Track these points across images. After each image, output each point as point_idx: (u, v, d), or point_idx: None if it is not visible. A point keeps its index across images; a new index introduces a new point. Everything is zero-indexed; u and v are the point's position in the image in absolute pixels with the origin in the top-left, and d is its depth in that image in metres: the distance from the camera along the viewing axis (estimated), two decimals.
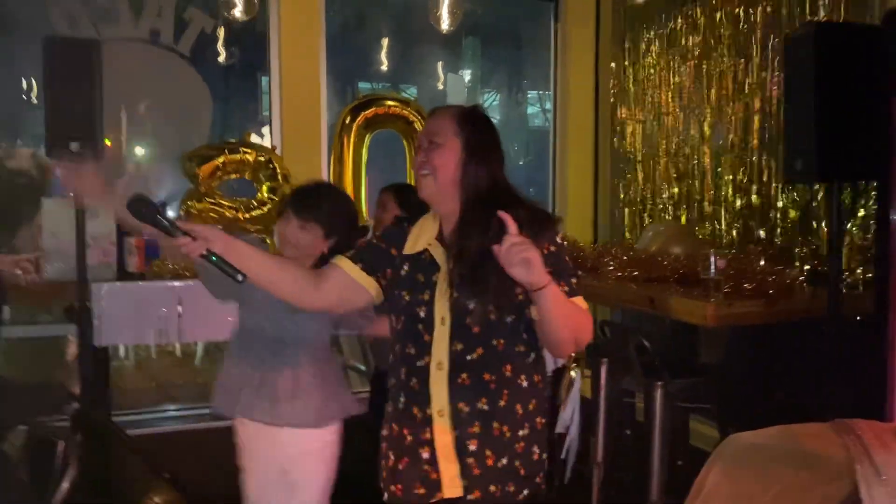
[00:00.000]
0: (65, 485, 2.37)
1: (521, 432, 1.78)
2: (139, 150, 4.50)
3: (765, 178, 3.62)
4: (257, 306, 2.16)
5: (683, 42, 4.14)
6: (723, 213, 3.85)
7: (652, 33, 4.39)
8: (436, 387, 1.77)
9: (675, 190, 4.21)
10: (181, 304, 3.33)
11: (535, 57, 5.36)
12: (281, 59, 4.15)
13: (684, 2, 4.12)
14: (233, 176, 3.96)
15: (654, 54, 4.39)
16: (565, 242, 1.86)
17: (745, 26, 3.73)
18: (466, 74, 5.95)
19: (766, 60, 3.60)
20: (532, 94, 6.01)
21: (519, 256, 1.55)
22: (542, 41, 5.05)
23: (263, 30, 4.24)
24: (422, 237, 1.86)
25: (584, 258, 3.76)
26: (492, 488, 1.77)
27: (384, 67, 5.19)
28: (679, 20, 4.17)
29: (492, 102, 6.31)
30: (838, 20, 3.17)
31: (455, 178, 1.79)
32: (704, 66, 3.98)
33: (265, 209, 3.88)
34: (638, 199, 4.53)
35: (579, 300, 1.75)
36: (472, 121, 1.83)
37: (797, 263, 3.31)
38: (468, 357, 1.75)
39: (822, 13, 3.30)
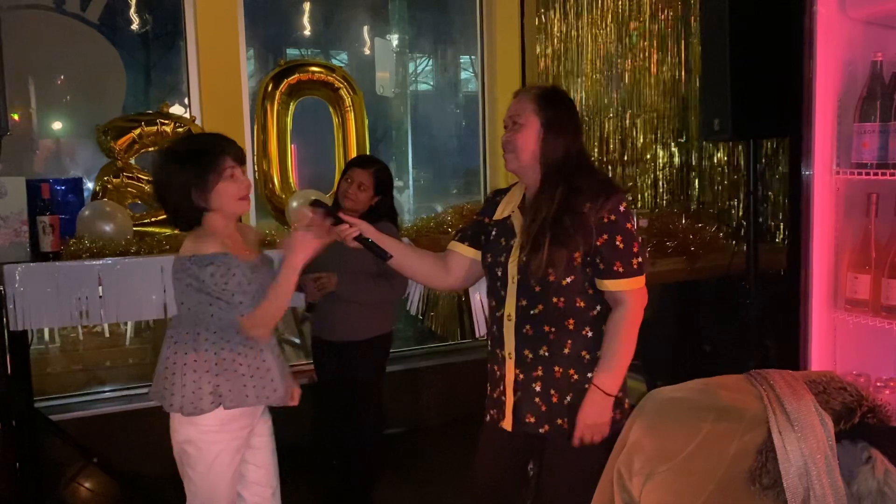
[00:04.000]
0: None
1: (589, 374, 2.01)
2: (51, 124, 4.29)
3: (686, 138, 3.69)
4: None
5: (606, 1, 4.16)
6: (647, 173, 3.92)
7: None
8: (507, 334, 2.07)
9: (601, 151, 4.26)
10: (102, 284, 3.21)
11: (462, 20, 5.30)
12: (197, 25, 3.99)
13: None
14: (151, 149, 3.80)
15: (577, 14, 4.40)
16: (632, 210, 2.04)
17: None
18: (394, 39, 5.85)
19: (688, 18, 3.65)
20: (465, 58, 5.96)
21: (594, 439, 1.97)
22: (469, 4, 4.99)
23: None
24: (508, 205, 2.13)
25: None
26: (559, 421, 2.03)
27: (308, 33, 5.06)
28: None
29: (423, 68, 6.24)
30: None
31: (536, 153, 2.02)
32: (627, 26, 4.02)
33: None
34: None
35: (632, 281, 1.97)
36: (551, 100, 2.05)
37: (718, 220, 3.41)
38: (531, 312, 2.02)
39: None
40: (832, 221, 2.03)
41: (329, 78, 4.15)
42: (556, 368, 2.02)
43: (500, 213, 2.15)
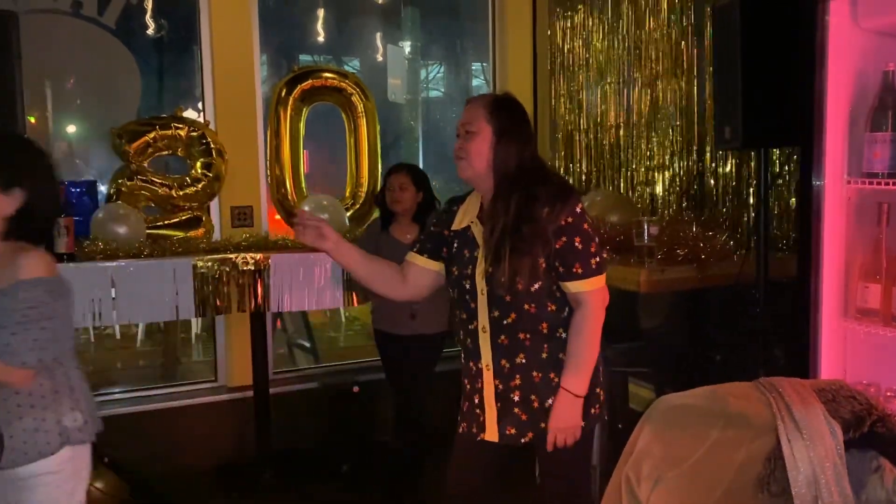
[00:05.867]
0: None
1: None
2: (67, 127, 4.33)
3: (699, 147, 3.69)
4: None
5: (619, 11, 4.16)
6: (660, 181, 3.92)
7: (588, 3, 4.40)
8: (483, 346, 2.08)
9: (614, 159, 4.26)
10: (115, 286, 3.24)
11: (474, 28, 5.31)
12: (212, 31, 4.02)
13: None
14: (165, 152, 3.83)
15: (589, 24, 4.40)
16: (586, 213, 2.05)
17: None
18: (406, 46, 5.87)
19: (701, 28, 3.64)
20: (476, 66, 5.97)
21: (567, 442, 2.01)
22: (481, 12, 5.01)
23: (193, 0, 4.09)
24: (466, 215, 2.14)
25: None
26: (542, 425, 2.04)
27: (321, 40, 5.09)
28: None
29: (435, 75, 6.25)
30: None
31: (489, 161, 2.03)
32: (640, 35, 4.02)
33: (199, 186, 3.78)
34: (578, 170, 4.57)
35: (592, 281, 1.98)
36: (502, 108, 2.07)
37: (729, 229, 3.39)
38: (504, 322, 2.03)
39: None
40: (843, 231, 2.03)
41: (342, 84, 4.17)
42: (535, 374, 2.04)
43: (458, 223, 2.16)
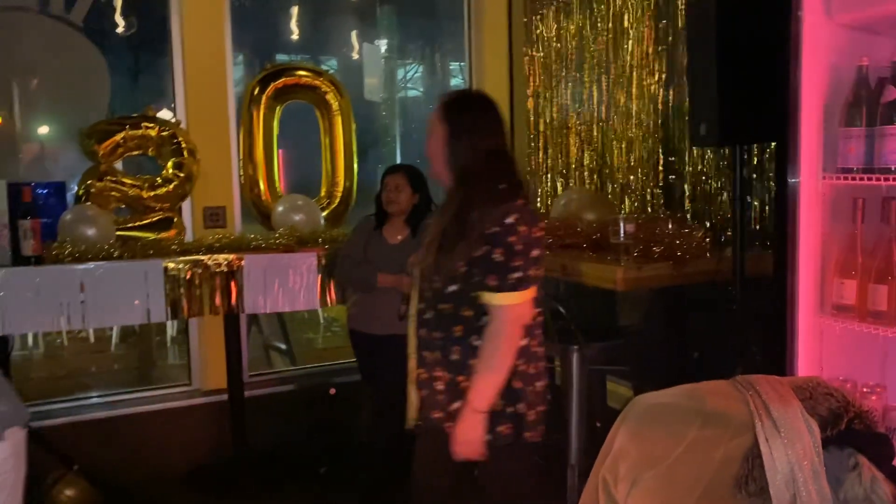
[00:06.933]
0: None
1: None
2: (34, 127, 4.24)
3: (675, 143, 3.69)
4: None
5: (594, 8, 4.15)
6: (637, 178, 3.91)
7: (561, 2, 4.40)
8: (410, 334, 2.15)
9: (590, 157, 4.26)
10: (84, 289, 3.18)
11: (451, 26, 5.29)
12: (183, 29, 3.96)
13: None
14: (135, 152, 3.77)
15: (565, 22, 4.39)
16: (519, 225, 1.96)
17: None
18: (382, 45, 5.84)
19: (676, 25, 3.64)
20: (455, 65, 5.95)
21: (469, 455, 2.00)
22: (457, 10, 4.98)
23: None
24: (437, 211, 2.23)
25: None
26: (448, 426, 2.05)
27: (298, 39, 5.04)
28: None
29: (413, 74, 6.22)
30: None
31: (445, 160, 2.05)
32: (616, 32, 4.01)
33: (170, 187, 3.71)
34: (555, 168, 4.56)
35: (505, 296, 1.93)
36: (456, 106, 2.08)
37: (707, 225, 3.40)
38: (424, 316, 2.07)
39: None
40: (818, 227, 2.02)
41: (316, 82, 4.13)
42: (445, 374, 2.05)
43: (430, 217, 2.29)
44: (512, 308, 1.95)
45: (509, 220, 1.93)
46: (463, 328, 2.00)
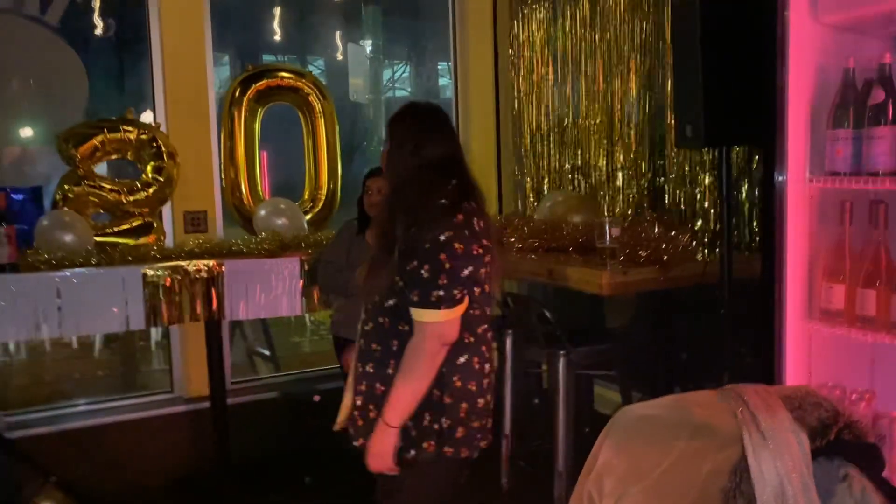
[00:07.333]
0: None
1: None
2: (10, 131, 4.16)
3: (661, 146, 3.66)
4: None
5: (579, 8, 4.12)
6: (622, 180, 3.89)
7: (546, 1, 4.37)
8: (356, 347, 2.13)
9: (575, 158, 4.23)
10: (60, 297, 3.11)
11: (436, 27, 5.26)
12: (162, 30, 3.89)
13: None
14: (114, 156, 3.70)
15: (550, 21, 4.36)
16: (453, 242, 1.92)
17: None
18: (367, 45, 5.79)
19: (661, 25, 3.62)
20: (442, 65, 5.92)
21: (381, 469, 1.99)
22: (442, 10, 4.95)
23: None
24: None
25: None
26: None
27: (283, 40, 4.99)
28: None
29: (400, 74, 6.19)
30: None
31: (387, 172, 2.09)
32: (601, 33, 3.98)
33: (150, 191, 3.64)
34: (542, 169, 4.53)
35: (428, 313, 1.89)
36: (396, 119, 2.09)
37: (693, 228, 3.37)
38: (365, 328, 2.07)
39: None
40: (806, 230, 2.00)
41: (298, 83, 4.07)
42: (379, 386, 2.00)
43: None
44: (433, 325, 1.90)
45: (443, 236, 1.89)
46: (399, 343, 1.97)
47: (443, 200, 1.94)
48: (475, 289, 1.97)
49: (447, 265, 1.88)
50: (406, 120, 2.07)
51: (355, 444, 2.09)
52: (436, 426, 1.97)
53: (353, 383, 2.11)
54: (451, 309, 1.91)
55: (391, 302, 1.97)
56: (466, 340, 1.99)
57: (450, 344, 1.94)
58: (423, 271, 1.88)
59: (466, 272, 1.92)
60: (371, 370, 2.03)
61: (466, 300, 1.94)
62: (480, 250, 1.96)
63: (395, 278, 1.94)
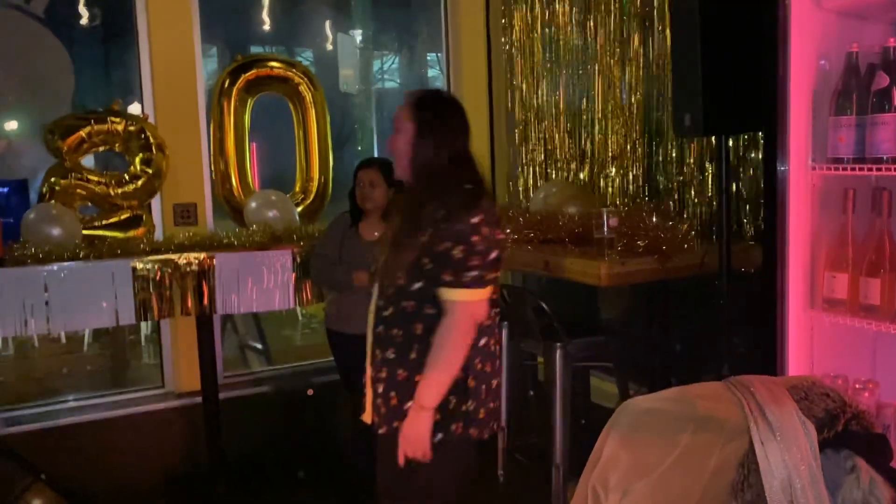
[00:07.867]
0: None
1: None
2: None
3: (659, 135, 3.63)
4: None
5: None
6: (618, 170, 3.86)
7: None
8: (368, 332, 2.14)
9: (571, 149, 4.19)
10: (48, 291, 3.07)
11: (427, 16, 5.20)
12: (149, 20, 3.83)
13: None
14: (101, 148, 3.64)
15: (544, 11, 4.32)
16: (483, 226, 1.97)
17: None
18: (357, 35, 5.74)
19: (659, 13, 3.58)
20: (432, 55, 5.87)
21: (415, 454, 1.97)
22: (433, 0, 4.90)
23: None
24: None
25: None
26: (395, 424, 2.03)
27: (272, 30, 4.93)
28: None
29: (390, 65, 6.15)
30: None
31: (409, 158, 2.07)
32: (596, 21, 3.94)
33: (139, 183, 3.59)
34: (535, 160, 4.49)
35: (461, 293, 1.94)
36: (425, 104, 2.09)
37: (690, 218, 3.35)
38: (384, 313, 2.06)
39: None
40: (808, 218, 1.97)
41: (288, 73, 4.02)
42: (401, 372, 2.03)
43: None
44: (466, 304, 1.96)
45: (475, 219, 1.95)
46: (423, 326, 1.99)
47: (468, 186, 2.01)
48: (496, 273, 2.03)
49: (479, 247, 1.95)
50: (435, 109, 2.09)
51: (380, 431, 2.08)
52: (462, 408, 2.00)
53: (370, 370, 2.11)
54: (483, 289, 1.98)
55: (418, 285, 1.98)
56: (487, 323, 2.05)
57: (480, 323, 2.00)
58: (455, 252, 1.93)
59: (493, 255, 1.99)
60: (392, 355, 2.03)
61: (493, 282, 2.02)
62: (502, 236, 2.07)
63: (425, 260, 1.95)
